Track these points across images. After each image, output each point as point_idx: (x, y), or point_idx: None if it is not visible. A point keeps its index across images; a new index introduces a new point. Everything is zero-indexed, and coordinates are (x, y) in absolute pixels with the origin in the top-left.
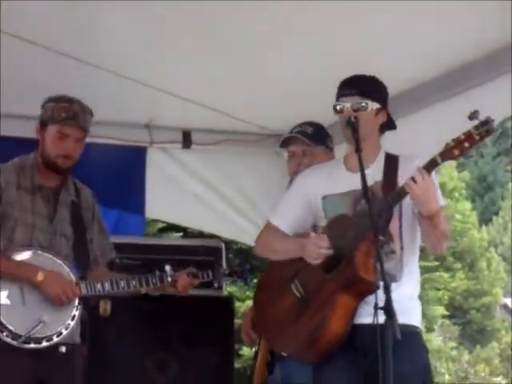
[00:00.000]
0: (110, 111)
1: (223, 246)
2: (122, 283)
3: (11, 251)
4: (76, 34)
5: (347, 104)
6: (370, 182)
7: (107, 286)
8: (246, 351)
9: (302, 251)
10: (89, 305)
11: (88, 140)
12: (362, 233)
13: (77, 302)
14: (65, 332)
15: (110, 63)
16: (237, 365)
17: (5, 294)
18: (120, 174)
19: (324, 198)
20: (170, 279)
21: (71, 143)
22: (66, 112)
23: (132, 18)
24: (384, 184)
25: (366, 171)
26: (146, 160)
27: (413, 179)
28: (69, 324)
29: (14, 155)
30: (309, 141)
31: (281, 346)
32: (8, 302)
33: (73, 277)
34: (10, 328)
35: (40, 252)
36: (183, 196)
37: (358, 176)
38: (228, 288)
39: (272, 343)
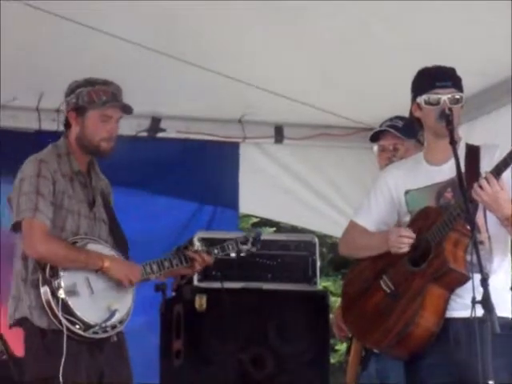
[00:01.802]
0: (203, 107)
1: (317, 240)
2: (166, 263)
3: (71, 241)
4: (167, 31)
5: (444, 96)
6: (452, 175)
7: (155, 267)
8: (342, 346)
9: (386, 243)
10: (184, 299)
11: (182, 136)
12: (451, 224)
13: (132, 288)
14: (126, 319)
15: (202, 60)
16: (332, 360)
17: (73, 285)
18: (214, 170)
19: (406, 192)
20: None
21: (113, 124)
22: (106, 94)
23: (224, 14)
24: (467, 175)
25: (448, 163)
26: (239, 155)
27: (480, 186)
28: (130, 309)
29: None
30: (399, 134)
31: (372, 342)
32: (77, 294)
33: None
34: (84, 319)
35: (95, 240)
36: (276, 191)
37: (439, 169)
38: (322, 283)
39: (362, 340)
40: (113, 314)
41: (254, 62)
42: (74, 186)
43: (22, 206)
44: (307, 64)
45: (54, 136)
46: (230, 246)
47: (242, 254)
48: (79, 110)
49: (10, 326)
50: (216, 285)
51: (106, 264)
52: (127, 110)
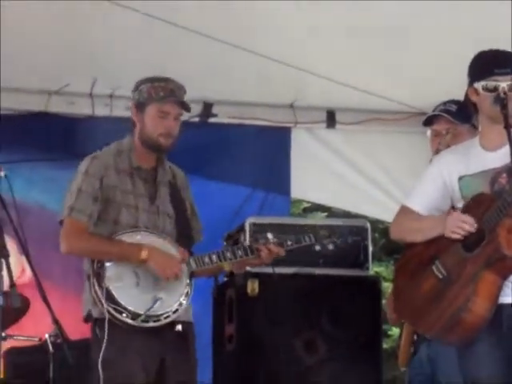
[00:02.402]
0: (255, 92)
1: (369, 225)
2: (229, 254)
3: (118, 234)
4: (220, 17)
5: (503, 83)
6: (507, 160)
7: (215, 258)
8: (395, 331)
9: (441, 226)
10: (236, 284)
11: (234, 121)
12: (505, 210)
13: (188, 279)
14: (180, 309)
15: (255, 45)
16: (385, 345)
17: (119, 275)
18: (265, 155)
19: (460, 178)
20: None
21: (171, 121)
22: (164, 90)
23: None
24: None
25: (503, 149)
26: (290, 140)
27: None
28: (183, 301)
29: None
30: (453, 119)
31: (424, 328)
32: (122, 284)
33: (178, 253)
34: (129, 308)
35: (145, 232)
36: (327, 176)
37: (494, 155)
38: (375, 268)
39: (414, 325)
40: (154, 302)
41: (306, 47)
42: (135, 181)
43: (65, 204)
44: (359, 49)
45: (106, 121)
46: (307, 239)
47: (316, 248)
48: (139, 107)
49: (84, 321)
50: (268, 270)
51: (143, 256)
52: (185, 106)
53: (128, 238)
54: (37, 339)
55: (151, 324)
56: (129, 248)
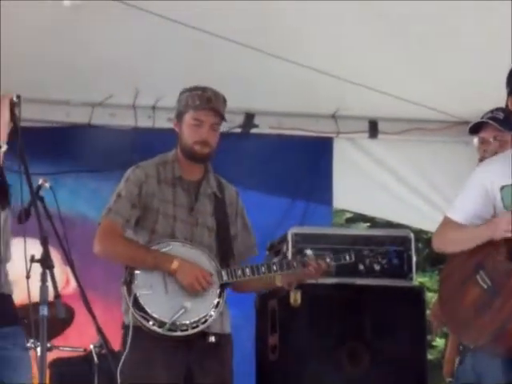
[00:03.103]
0: (297, 102)
1: (412, 235)
2: (263, 268)
3: (153, 243)
4: (261, 28)
5: None
6: None
7: (248, 271)
8: (439, 342)
9: (490, 230)
10: (279, 295)
11: (275, 132)
12: None
13: (219, 290)
14: (209, 320)
15: (296, 55)
16: (430, 356)
17: (148, 283)
18: (307, 165)
19: (502, 188)
20: (311, 262)
21: (207, 129)
22: (200, 98)
23: (318, 10)
24: None
25: None
26: (332, 150)
27: None
28: (212, 312)
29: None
30: (500, 126)
31: (469, 339)
32: (150, 292)
33: (213, 266)
34: (155, 316)
35: (179, 243)
36: (370, 186)
37: None
38: (419, 278)
39: (460, 336)
40: (178, 311)
41: (348, 57)
42: (176, 192)
43: (106, 206)
44: (401, 58)
45: (149, 133)
46: (347, 257)
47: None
48: (179, 116)
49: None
50: (310, 280)
51: (174, 267)
52: (220, 115)
53: (160, 247)
54: (81, 350)
55: (178, 333)
56: (161, 257)
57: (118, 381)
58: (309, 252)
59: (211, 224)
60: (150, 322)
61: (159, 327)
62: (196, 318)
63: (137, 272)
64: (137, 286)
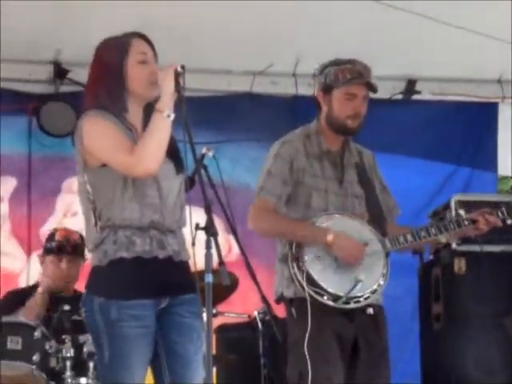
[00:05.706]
0: (460, 68)
1: None
2: (423, 233)
3: (314, 217)
4: None
5: None
6: None
7: (409, 237)
8: None
9: None
10: (443, 262)
11: (437, 98)
12: None
13: (384, 260)
14: (379, 289)
15: (459, 19)
16: None
17: (318, 258)
18: (472, 132)
19: None
20: (466, 222)
21: (359, 102)
22: (351, 73)
23: None
24: None
25: None
26: (497, 116)
27: None
28: (381, 282)
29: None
30: None
31: None
32: (322, 267)
33: (376, 235)
34: (330, 290)
35: (339, 215)
36: None
37: None
38: None
39: None
40: (355, 284)
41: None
42: (323, 165)
43: (257, 184)
44: None
45: (309, 101)
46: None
47: None
48: (326, 90)
49: (275, 302)
50: (475, 248)
51: (329, 240)
52: (372, 88)
53: (322, 221)
54: (246, 316)
55: (352, 305)
56: (315, 231)
57: (305, 351)
58: (462, 212)
59: (359, 193)
60: (325, 297)
61: (333, 301)
62: (370, 289)
63: (306, 248)
64: (308, 262)
